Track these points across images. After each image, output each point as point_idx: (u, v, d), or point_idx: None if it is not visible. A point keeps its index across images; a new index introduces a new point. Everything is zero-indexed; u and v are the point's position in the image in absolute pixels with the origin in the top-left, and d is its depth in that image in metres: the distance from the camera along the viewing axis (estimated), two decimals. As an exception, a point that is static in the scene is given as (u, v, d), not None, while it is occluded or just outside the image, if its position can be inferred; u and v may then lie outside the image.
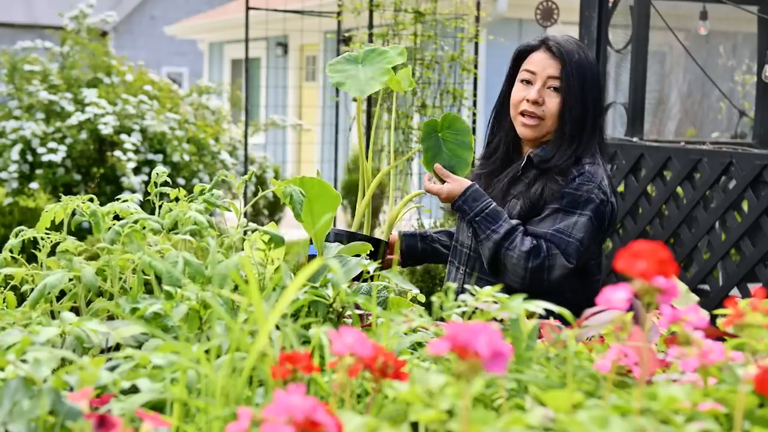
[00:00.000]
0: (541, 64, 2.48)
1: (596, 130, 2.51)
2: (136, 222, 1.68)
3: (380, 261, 2.44)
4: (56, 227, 1.81)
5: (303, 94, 13.55)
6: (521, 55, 2.55)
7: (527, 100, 2.48)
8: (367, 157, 2.48)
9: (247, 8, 6.92)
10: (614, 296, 1.09)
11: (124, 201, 1.81)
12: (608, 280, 4.51)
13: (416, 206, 2.83)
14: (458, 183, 2.46)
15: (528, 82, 2.50)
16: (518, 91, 2.51)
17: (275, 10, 7.26)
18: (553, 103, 2.47)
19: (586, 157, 2.47)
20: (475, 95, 6.20)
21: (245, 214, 1.88)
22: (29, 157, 7.97)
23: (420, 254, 2.73)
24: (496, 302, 1.36)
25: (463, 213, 2.44)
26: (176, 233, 1.71)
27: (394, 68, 2.46)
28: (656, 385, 1.09)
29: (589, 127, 2.48)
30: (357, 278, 1.77)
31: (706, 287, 4.19)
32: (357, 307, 1.64)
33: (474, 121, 6.20)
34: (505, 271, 2.40)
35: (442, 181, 2.48)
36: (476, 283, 2.46)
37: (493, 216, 2.42)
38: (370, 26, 5.87)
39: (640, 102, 4.66)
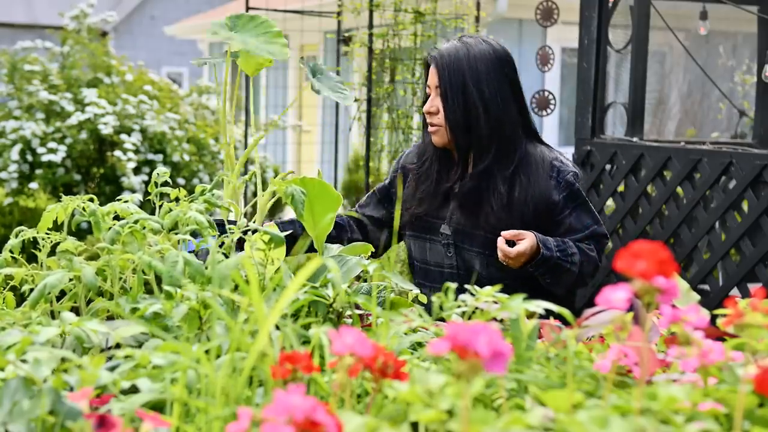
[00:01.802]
0: (430, 75, 2.56)
1: (505, 116, 2.49)
2: (136, 222, 1.68)
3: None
4: (56, 227, 1.81)
5: (303, 94, 13.54)
6: (429, 69, 2.60)
7: (425, 113, 2.56)
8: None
9: (247, 8, 6.91)
10: (614, 296, 1.09)
11: (124, 201, 1.81)
12: (608, 280, 4.51)
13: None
14: (527, 234, 2.40)
15: (429, 95, 2.57)
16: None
17: (275, 10, 7.26)
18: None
19: (530, 144, 2.53)
20: (475, 95, 6.19)
21: (245, 215, 1.88)
22: (29, 157, 7.97)
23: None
24: (496, 302, 1.36)
25: (547, 260, 2.40)
26: (176, 233, 1.71)
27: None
28: (656, 385, 1.09)
29: (494, 116, 2.48)
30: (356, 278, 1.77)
31: (706, 287, 4.19)
32: (357, 307, 1.64)
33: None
34: (580, 283, 2.51)
35: (511, 244, 2.42)
36: None
37: (561, 245, 2.45)
38: (370, 26, 5.87)
39: (640, 102, 4.66)
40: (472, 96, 2.47)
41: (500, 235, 2.41)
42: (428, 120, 2.55)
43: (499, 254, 2.39)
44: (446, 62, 2.50)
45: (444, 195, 2.56)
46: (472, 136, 2.49)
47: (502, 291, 2.46)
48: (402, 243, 2.83)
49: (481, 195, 2.50)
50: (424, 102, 2.60)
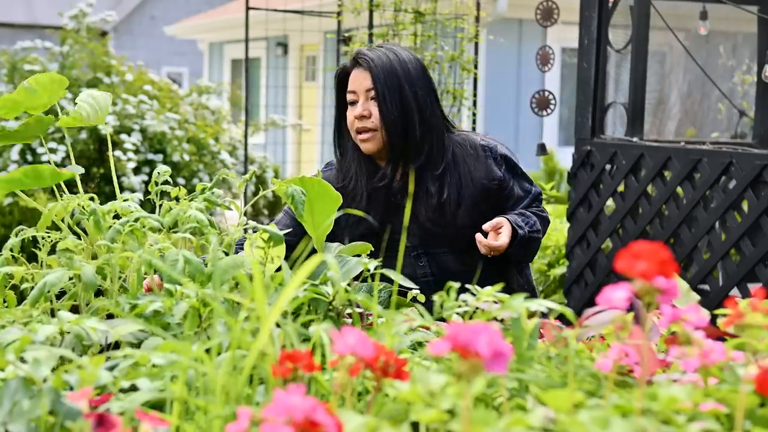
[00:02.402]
0: (357, 80, 2.54)
1: (434, 117, 2.55)
2: (136, 221, 1.68)
3: None
4: (57, 226, 1.81)
5: (303, 94, 13.55)
6: (342, 80, 2.59)
7: (356, 118, 2.53)
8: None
9: (247, 8, 6.91)
10: (614, 296, 1.09)
11: (124, 200, 1.81)
12: (608, 280, 4.51)
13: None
14: (503, 220, 2.48)
15: (353, 103, 2.55)
16: (349, 114, 2.56)
17: (275, 10, 7.26)
18: (377, 111, 2.52)
19: (454, 140, 2.59)
20: (475, 95, 6.20)
21: (245, 214, 1.88)
22: (29, 157, 7.96)
23: None
24: (496, 302, 1.36)
25: (521, 238, 2.49)
26: (176, 232, 1.70)
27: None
28: (657, 385, 1.08)
29: (426, 118, 2.53)
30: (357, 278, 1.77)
31: (706, 287, 4.19)
32: (357, 305, 1.63)
33: (474, 121, 6.20)
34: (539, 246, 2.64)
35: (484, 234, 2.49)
36: None
37: (524, 219, 2.55)
38: (370, 26, 5.87)
39: (640, 102, 4.65)
40: (408, 98, 2.50)
41: (475, 229, 2.48)
42: (359, 125, 2.52)
43: (484, 249, 2.44)
44: (379, 65, 2.51)
45: (384, 206, 2.56)
46: (408, 138, 2.51)
47: (477, 280, 2.45)
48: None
49: (416, 195, 2.53)
50: (340, 115, 2.59)
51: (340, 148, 2.65)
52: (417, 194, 2.54)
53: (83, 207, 1.77)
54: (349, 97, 2.56)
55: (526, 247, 2.52)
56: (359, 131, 2.54)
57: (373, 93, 2.52)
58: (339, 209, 2.55)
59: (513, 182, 2.61)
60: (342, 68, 2.60)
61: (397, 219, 2.55)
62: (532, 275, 2.76)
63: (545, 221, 2.63)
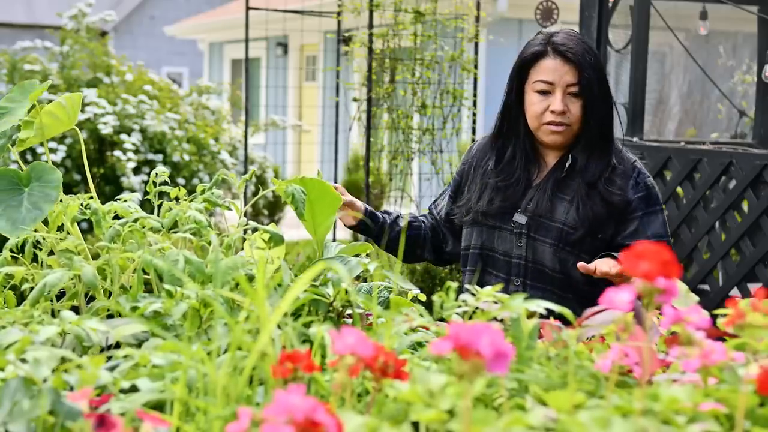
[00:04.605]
0: (557, 72, 2.44)
1: (612, 117, 2.53)
2: (136, 221, 1.68)
3: None
4: (57, 227, 1.80)
5: (303, 94, 13.55)
6: (528, 64, 2.49)
7: (552, 112, 2.44)
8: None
9: (247, 8, 6.91)
10: (617, 297, 1.09)
11: (124, 200, 1.81)
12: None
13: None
14: (605, 261, 2.32)
15: (546, 93, 2.45)
16: (537, 103, 2.46)
17: (275, 10, 7.25)
18: (576, 108, 2.45)
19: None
20: (475, 95, 6.20)
21: (245, 214, 1.88)
22: (29, 157, 7.96)
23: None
24: (496, 302, 1.36)
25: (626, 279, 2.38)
26: (176, 232, 1.70)
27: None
28: (657, 385, 1.08)
29: (612, 116, 2.51)
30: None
31: (706, 287, 4.19)
32: (357, 306, 1.63)
33: (474, 121, 6.19)
34: None
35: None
36: (543, 294, 2.45)
37: None
38: (370, 26, 5.87)
39: (640, 102, 4.65)
40: (608, 99, 2.48)
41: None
42: (554, 119, 2.44)
43: (599, 272, 2.29)
44: (588, 64, 2.44)
45: (523, 187, 2.53)
46: (602, 135, 2.48)
47: (569, 289, 2.31)
48: None
49: (575, 190, 2.47)
50: (515, 98, 2.51)
51: (503, 128, 2.56)
52: (579, 190, 2.47)
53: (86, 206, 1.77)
54: (541, 86, 2.46)
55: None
56: (551, 123, 2.46)
57: (575, 89, 2.44)
58: (486, 177, 2.53)
59: (641, 213, 2.48)
60: (532, 54, 2.49)
61: (522, 200, 2.52)
62: None
63: None
